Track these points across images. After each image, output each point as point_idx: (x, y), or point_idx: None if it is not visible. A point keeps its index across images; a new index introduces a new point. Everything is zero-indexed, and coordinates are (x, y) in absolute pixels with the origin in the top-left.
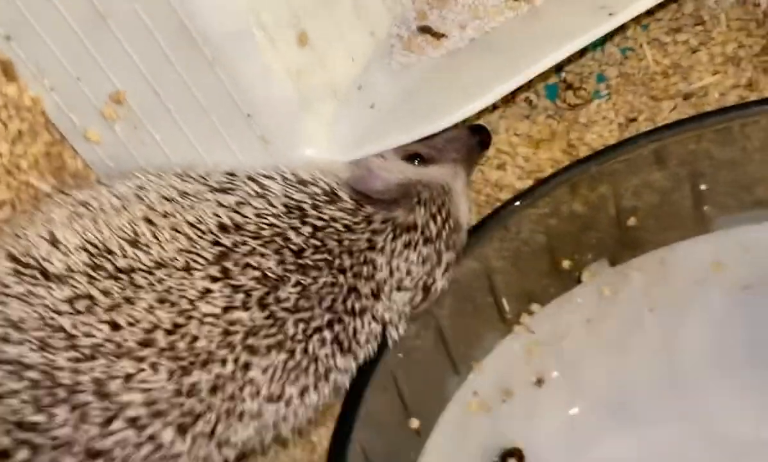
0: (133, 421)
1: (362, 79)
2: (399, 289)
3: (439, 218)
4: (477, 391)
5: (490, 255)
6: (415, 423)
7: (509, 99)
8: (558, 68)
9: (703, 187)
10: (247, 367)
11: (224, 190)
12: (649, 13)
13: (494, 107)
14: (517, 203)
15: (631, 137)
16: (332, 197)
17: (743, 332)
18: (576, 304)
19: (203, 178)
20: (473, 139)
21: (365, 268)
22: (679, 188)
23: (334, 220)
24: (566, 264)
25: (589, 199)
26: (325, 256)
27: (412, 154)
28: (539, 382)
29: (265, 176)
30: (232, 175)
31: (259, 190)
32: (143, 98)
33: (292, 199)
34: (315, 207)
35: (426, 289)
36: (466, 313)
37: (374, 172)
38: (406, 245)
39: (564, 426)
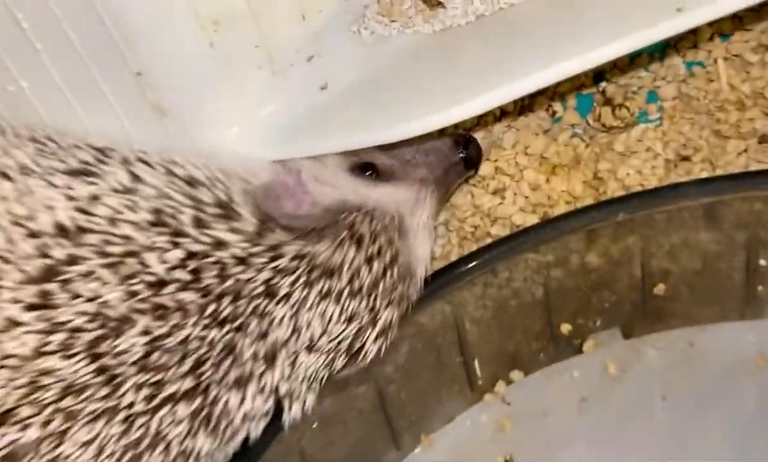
0: None
1: (315, 46)
2: (310, 350)
3: (377, 263)
4: None
5: (468, 302)
6: None
7: (524, 104)
8: (597, 75)
9: (762, 262)
10: (60, 436)
11: (83, 174)
12: (736, 18)
13: (501, 113)
14: (513, 243)
15: (679, 183)
16: (227, 211)
17: None
18: (570, 377)
19: (63, 151)
20: (455, 153)
21: (255, 322)
22: (731, 257)
23: (221, 245)
24: (566, 328)
25: (610, 251)
26: (197, 296)
27: (363, 165)
28: None
29: (143, 162)
30: (102, 153)
31: (126, 183)
32: (3, 30)
33: (169, 203)
34: (198, 223)
35: (352, 354)
36: (422, 372)
37: (303, 182)
38: (324, 295)
39: None
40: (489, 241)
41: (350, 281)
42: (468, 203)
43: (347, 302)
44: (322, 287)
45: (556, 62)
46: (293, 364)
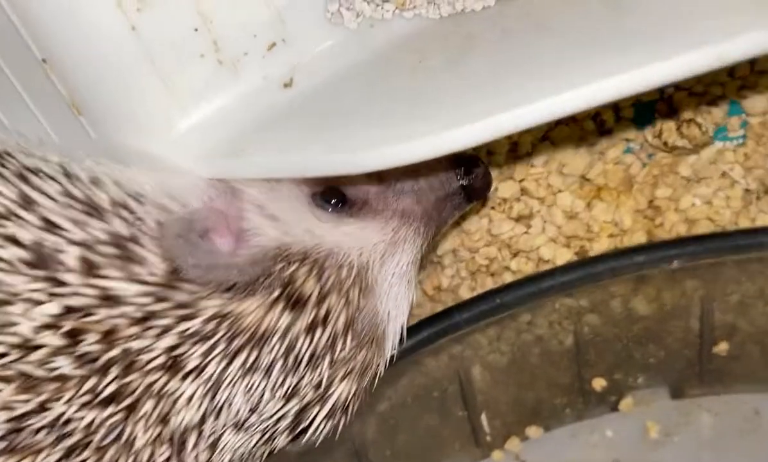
0: None
1: (278, 30)
2: (238, 428)
3: (323, 331)
4: None
5: (480, 346)
6: None
7: None
8: None
9: None
10: None
11: None
12: None
13: None
14: (537, 286)
15: (757, 229)
16: (126, 252)
17: None
18: (602, 436)
19: None
20: (453, 180)
21: (152, 403)
22: None
23: (110, 299)
24: (599, 384)
25: (663, 298)
26: (73, 366)
27: (328, 191)
28: None
29: (40, 176)
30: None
31: (10, 205)
32: None
33: (50, 238)
34: (87, 266)
35: (296, 433)
36: (415, 425)
37: (243, 213)
38: (249, 369)
39: None
40: (507, 277)
41: (285, 354)
42: (482, 229)
43: (281, 378)
44: (247, 359)
45: (600, 77)
46: (214, 446)
